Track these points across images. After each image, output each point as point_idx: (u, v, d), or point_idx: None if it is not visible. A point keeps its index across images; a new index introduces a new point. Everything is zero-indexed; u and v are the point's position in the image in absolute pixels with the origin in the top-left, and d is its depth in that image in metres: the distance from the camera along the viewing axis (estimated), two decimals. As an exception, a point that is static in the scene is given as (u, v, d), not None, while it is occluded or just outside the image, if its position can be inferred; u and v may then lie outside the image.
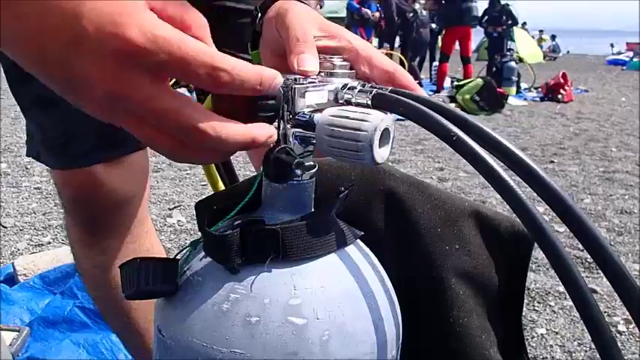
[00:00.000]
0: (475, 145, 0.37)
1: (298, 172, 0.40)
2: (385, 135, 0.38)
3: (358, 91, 0.42)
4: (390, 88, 0.42)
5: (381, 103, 0.41)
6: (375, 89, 0.41)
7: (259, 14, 0.51)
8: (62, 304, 1.51)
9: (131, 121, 0.33)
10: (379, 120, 0.37)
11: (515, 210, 0.35)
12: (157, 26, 0.31)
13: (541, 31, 19.42)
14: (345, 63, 0.45)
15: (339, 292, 0.39)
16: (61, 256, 1.79)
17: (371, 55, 0.46)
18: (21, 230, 2.35)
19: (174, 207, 2.72)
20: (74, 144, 0.81)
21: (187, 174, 3.24)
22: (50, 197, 2.77)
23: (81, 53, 0.30)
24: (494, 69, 7.66)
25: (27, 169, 3.25)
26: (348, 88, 0.42)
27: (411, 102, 0.39)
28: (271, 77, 0.35)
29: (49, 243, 2.24)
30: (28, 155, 0.89)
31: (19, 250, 2.16)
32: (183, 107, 0.32)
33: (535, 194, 0.36)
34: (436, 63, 8.94)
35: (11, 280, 1.74)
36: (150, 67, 0.31)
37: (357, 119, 0.38)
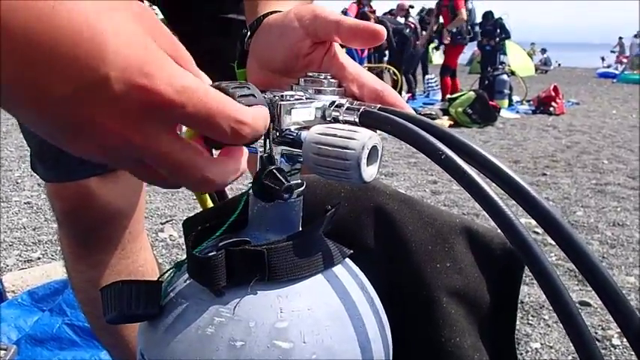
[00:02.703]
0: (462, 163, 0.36)
1: (287, 195, 0.39)
2: (373, 153, 0.38)
3: (346, 109, 0.41)
4: (378, 105, 0.41)
5: (368, 120, 0.40)
6: (363, 107, 0.41)
7: (248, 33, 0.50)
8: (51, 322, 1.49)
9: (135, 167, 0.32)
10: (367, 138, 0.37)
11: (502, 227, 0.35)
12: (184, 77, 0.29)
13: (532, 44, 19.61)
14: (333, 80, 0.44)
15: (327, 314, 0.38)
16: (51, 272, 1.77)
17: (359, 73, 0.46)
18: (10, 246, 2.33)
19: (166, 221, 2.70)
20: (67, 157, 0.80)
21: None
22: (40, 212, 2.74)
23: (97, 100, 0.27)
24: (486, 82, 7.72)
25: (17, 183, 3.22)
26: (336, 106, 0.42)
27: (399, 120, 0.39)
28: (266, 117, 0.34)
29: (39, 259, 2.21)
30: (31, 168, 0.89)
31: (7, 265, 2.13)
32: (194, 158, 0.31)
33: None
34: (428, 76, 9.00)
35: (-1, 296, 1.72)
36: (174, 120, 0.30)
37: (344, 137, 0.37)
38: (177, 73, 0.29)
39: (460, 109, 6.19)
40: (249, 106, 0.33)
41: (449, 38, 7.79)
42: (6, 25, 0.24)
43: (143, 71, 0.28)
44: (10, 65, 0.25)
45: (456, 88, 7.76)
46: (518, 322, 1.87)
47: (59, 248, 2.24)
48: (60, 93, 0.27)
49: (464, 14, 7.61)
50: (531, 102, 7.83)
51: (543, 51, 19.45)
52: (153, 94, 0.28)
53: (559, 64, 21.72)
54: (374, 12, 8.24)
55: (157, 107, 0.28)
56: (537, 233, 2.34)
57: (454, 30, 7.70)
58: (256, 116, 0.33)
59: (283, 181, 0.37)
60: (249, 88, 0.35)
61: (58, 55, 0.26)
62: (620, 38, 22.14)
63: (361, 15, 8.04)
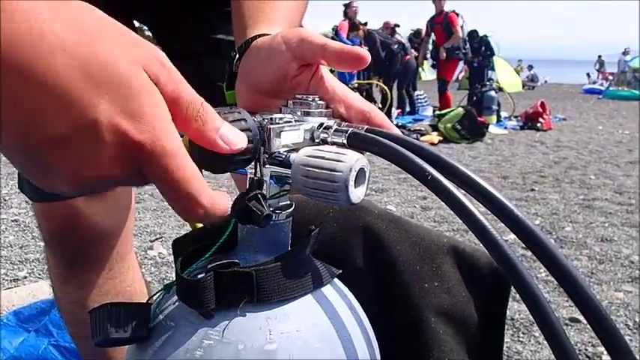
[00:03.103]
0: (448, 184, 0.37)
1: (263, 223, 0.38)
2: (361, 175, 0.38)
3: (334, 131, 0.42)
4: (365, 127, 0.42)
5: (356, 142, 0.41)
6: (351, 129, 0.41)
7: (237, 55, 0.51)
8: (36, 343, 1.47)
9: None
10: (354, 160, 0.37)
11: (486, 245, 0.35)
12: (169, 138, 0.30)
13: (520, 61, 19.86)
14: (321, 102, 0.45)
15: (316, 335, 0.38)
16: (37, 291, 1.75)
17: (346, 95, 0.46)
18: (-3, 264, 2.30)
19: (156, 239, 2.68)
20: None
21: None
22: (28, 230, 2.72)
23: (85, 141, 0.29)
24: (474, 98, 7.80)
25: (5, 200, 3.19)
26: (324, 128, 0.42)
27: (386, 141, 0.39)
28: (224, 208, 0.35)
29: (25, 277, 2.18)
30: (18, 187, 0.88)
31: (-6, 285, 2.10)
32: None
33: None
34: (417, 92, 9.07)
35: (-16, 316, 1.69)
36: (144, 170, 0.31)
37: (332, 159, 0.38)
38: (162, 127, 0.30)
39: (449, 125, 6.24)
40: (243, 130, 0.35)
41: (444, 55, 7.91)
42: (6, 64, 0.26)
43: (131, 115, 0.29)
44: (12, 102, 0.27)
45: (448, 102, 7.86)
46: (508, 340, 1.87)
47: (46, 267, 2.22)
48: (53, 132, 0.28)
49: (459, 32, 7.75)
50: (519, 118, 7.91)
51: (530, 67, 19.70)
52: (136, 144, 0.29)
53: (546, 81, 22.00)
54: (365, 24, 8.30)
55: (136, 155, 0.30)
56: (526, 249, 2.35)
57: (449, 47, 7.83)
58: (215, 204, 0.33)
59: (264, 209, 0.37)
60: (239, 113, 0.36)
61: (56, 97, 0.27)
62: (600, 56, 22.51)
63: (351, 26, 8.12)
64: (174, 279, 0.42)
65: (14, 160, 0.30)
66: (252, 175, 0.40)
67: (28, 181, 0.83)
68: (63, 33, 0.27)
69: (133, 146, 0.29)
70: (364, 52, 0.44)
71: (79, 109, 0.28)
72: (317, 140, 0.43)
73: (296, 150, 0.40)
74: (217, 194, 0.33)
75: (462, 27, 8.03)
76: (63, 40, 0.27)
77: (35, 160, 0.29)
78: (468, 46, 8.29)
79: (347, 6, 8.46)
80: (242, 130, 0.35)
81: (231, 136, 0.34)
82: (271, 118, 0.40)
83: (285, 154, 0.40)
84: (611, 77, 18.56)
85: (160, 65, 0.31)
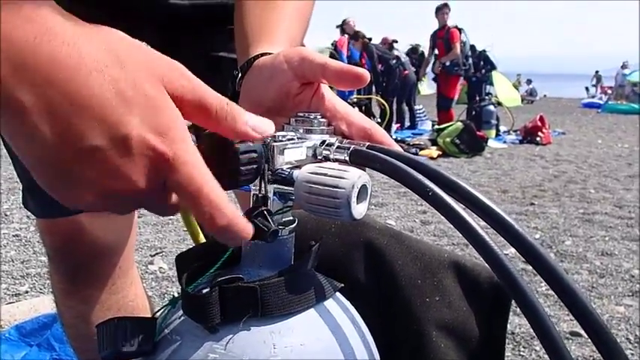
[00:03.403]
0: (449, 200, 0.37)
1: (270, 239, 0.39)
2: (363, 191, 0.39)
3: (336, 148, 0.43)
4: (367, 144, 0.43)
5: (358, 159, 0.42)
6: (353, 145, 0.42)
7: (239, 74, 0.52)
8: (39, 357, 1.47)
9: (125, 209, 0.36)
10: (357, 177, 0.38)
11: (487, 260, 0.36)
12: (190, 151, 0.33)
13: (519, 75, 19.94)
14: (323, 120, 0.46)
15: (319, 349, 0.39)
16: (39, 306, 1.75)
17: (348, 112, 0.47)
18: (-2, 279, 2.30)
19: (156, 253, 2.68)
20: None
21: (170, 219, 3.21)
22: (29, 245, 2.72)
23: (115, 154, 0.31)
24: (473, 112, 7.83)
25: (6, 215, 3.20)
26: (327, 145, 0.43)
27: (388, 158, 0.40)
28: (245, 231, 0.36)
29: (27, 292, 2.18)
30: (22, 203, 0.89)
31: (-6, 300, 2.10)
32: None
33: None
34: (417, 106, 9.10)
35: (-14, 331, 1.69)
36: (167, 183, 0.33)
37: (334, 176, 0.39)
38: (184, 142, 0.33)
39: (448, 140, 6.26)
40: (249, 152, 0.37)
41: (439, 69, 7.95)
42: (49, 83, 0.29)
43: (157, 131, 0.32)
44: (52, 117, 0.30)
45: (450, 118, 7.89)
46: (509, 354, 1.86)
47: (48, 281, 2.22)
48: (89, 144, 0.30)
49: (457, 49, 7.79)
50: (518, 132, 7.94)
51: (529, 82, 19.79)
52: (161, 155, 0.32)
53: (545, 95, 22.10)
54: (370, 39, 8.35)
55: (161, 167, 0.32)
56: (527, 263, 2.35)
57: (447, 63, 7.87)
58: (237, 216, 0.35)
59: (271, 224, 0.39)
60: None
61: (93, 113, 0.30)
62: (597, 72, 22.61)
63: (354, 34, 8.16)
64: (179, 294, 0.43)
65: (40, 172, 0.32)
66: (257, 192, 0.41)
67: (33, 196, 0.85)
68: (97, 56, 0.30)
69: (158, 158, 0.32)
70: (363, 71, 0.46)
71: (113, 124, 0.30)
72: (319, 157, 0.43)
73: (299, 167, 0.41)
74: (236, 209, 0.35)
75: (464, 43, 8.06)
76: (97, 62, 0.30)
77: (64, 171, 0.31)
78: (470, 62, 8.32)
79: (343, 23, 8.54)
80: (248, 152, 0.37)
81: (261, 125, 0.38)
82: (274, 136, 0.41)
83: (289, 171, 0.41)
84: (609, 91, 18.65)
85: (180, 77, 0.34)
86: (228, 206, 0.34)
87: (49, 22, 0.29)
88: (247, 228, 0.35)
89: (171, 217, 3.22)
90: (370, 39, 8.31)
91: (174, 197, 0.35)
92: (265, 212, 0.39)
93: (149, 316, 0.42)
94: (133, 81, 0.31)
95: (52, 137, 0.30)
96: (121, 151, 0.31)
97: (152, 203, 0.35)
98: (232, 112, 0.36)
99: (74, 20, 0.31)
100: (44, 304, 1.75)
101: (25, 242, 2.76)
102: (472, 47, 8.81)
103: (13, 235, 2.85)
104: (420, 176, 0.38)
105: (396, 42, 8.91)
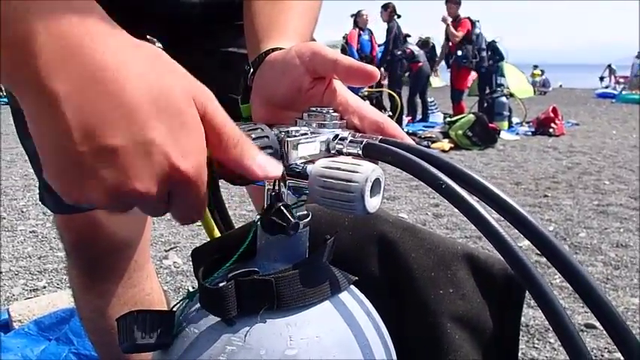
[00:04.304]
0: (463, 192, 0.38)
1: (291, 232, 0.41)
2: (376, 185, 0.40)
3: (349, 142, 0.43)
4: (379, 137, 0.43)
5: (371, 152, 0.42)
6: (366, 139, 0.43)
7: (251, 69, 0.52)
8: (57, 351, 1.49)
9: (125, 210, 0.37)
10: (370, 171, 0.39)
11: (501, 252, 0.36)
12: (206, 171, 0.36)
13: (535, 66, 19.67)
14: (335, 114, 0.46)
15: (335, 341, 0.40)
16: (57, 300, 1.78)
17: (360, 106, 0.48)
18: (16, 275, 2.33)
19: (171, 248, 2.70)
20: None
21: (183, 215, 3.23)
22: (46, 241, 2.76)
23: (136, 158, 0.32)
24: (485, 104, 7.77)
25: (22, 212, 3.24)
26: (340, 139, 0.44)
27: (400, 151, 0.40)
28: None
29: (45, 287, 2.22)
30: (39, 200, 0.91)
31: (13, 295, 2.13)
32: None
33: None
34: (429, 99, 9.05)
35: (6, 326, 1.72)
36: (180, 192, 0.35)
37: (348, 170, 0.39)
38: (203, 166, 0.35)
39: (460, 132, 6.22)
40: (265, 147, 0.39)
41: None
42: (88, 80, 0.31)
43: (181, 149, 0.33)
44: (83, 110, 0.31)
45: (461, 110, 7.85)
46: (524, 346, 1.86)
47: (65, 277, 2.25)
48: (112, 143, 0.31)
49: (456, 35, 7.76)
50: (531, 123, 7.87)
51: (542, 72, 19.58)
52: (180, 173, 0.34)
53: (560, 85, 21.84)
54: (399, 16, 8.28)
55: (175, 182, 0.34)
56: (541, 255, 2.33)
57: (460, 54, 7.84)
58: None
59: (290, 218, 0.39)
60: (262, 130, 0.37)
61: (123, 114, 0.31)
62: (609, 65, 22.25)
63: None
64: (194, 288, 0.43)
65: (51, 162, 0.33)
66: (270, 187, 0.42)
67: (51, 192, 0.86)
68: (139, 63, 0.32)
69: (174, 171, 0.33)
70: (373, 69, 0.46)
71: (140, 127, 0.31)
72: (332, 151, 0.44)
73: (312, 161, 0.41)
74: None
75: (477, 35, 8.01)
76: (138, 68, 0.32)
77: (77, 165, 0.32)
78: (484, 54, 8.26)
79: (357, 15, 8.49)
80: (264, 147, 0.37)
81: (267, 165, 0.38)
82: (288, 132, 0.41)
83: (302, 165, 0.41)
84: (622, 80, 18.42)
85: (207, 99, 0.35)
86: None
87: (100, 25, 0.32)
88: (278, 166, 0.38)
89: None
90: (399, 16, 8.25)
91: (174, 204, 0.37)
92: (282, 207, 0.39)
93: (166, 309, 0.43)
94: (168, 93, 0.33)
95: (76, 129, 0.31)
96: (141, 154, 0.32)
97: (151, 206, 0.36)
98: (244, 146, 0.37)
99: (120, 29, 0.33)
100: (62, 299, 1.78)
101: (42, 238, 2.80)
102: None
103: (30, 232, 2.89)
104: (432, 169, 0.39)
105: (409, 36, 8.87)
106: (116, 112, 0.31)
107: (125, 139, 0.31)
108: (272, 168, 0.38)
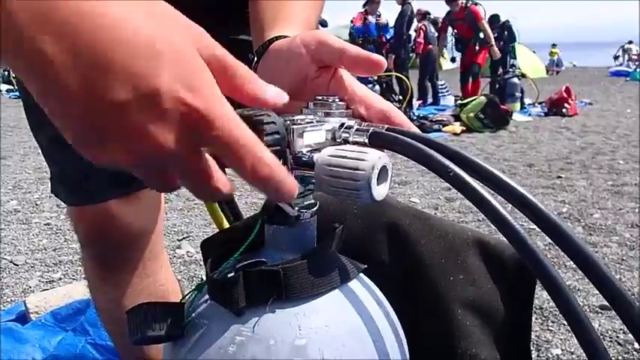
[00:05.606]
0: (470, 179, 0.37)
1: (294, 223, 0.40)
2: (383, 173, 0.39)
3: (355, 130, 0.43)
4: (385, 126, 0.43)
5: (377, 141, 0.42)
6: (372, 128, 0.42)
7: (255, 58, 0.52)
8: (74, 342, 1.52)
9: (155, 175, 0.35)
10: (376, 158, 0.38)
11: (509, 238, 0.36)
12: (222, 103, 0.33)
13: (554, 45, 19.33)
14: (341, 103, 0.46)
15: (345, 330, 0.40)
16: (72, 292, 1.80)
17: (366, 95, 0.47)
18: (32, 267, 2.37)
19: (183, 238, 2.72)
20: (89, 181, 0.83)
21: (196, 204, 3.25)
22: (60, 233, 2.79)
23: (145, 109, 0.30)
24: (497, 86, 7.70)
25: (37, 205, 3.28)
26: (346, 127, 0.43)
27: (407, 140, 0.40)
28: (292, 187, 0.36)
29: (60, 279, 2.25)
30: (52, 192, 0.91)
31: (30, 287, 2.16)
32: (215, 171, 0.35)
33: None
34: (439, 82, 8.98)
35: (23, 318, 1.74)
36: (205, 140, 0.33)
37: (354, 158, 0.39)
38: (217, 96, 0.32)
39: (472, 115, 6.17)
40: (273, 133, 0.37)
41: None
42: (75, 33, 0.28)
43: (189, 86, 0.31)
44: (78, 69, 0.28)
45: (477, 89, 7.83)
46: (537, 328, 1.85)
47: (80, 268, 2.28)
48: (116, 98, 0.29)
49: (486, 26, 7.77)
50: (543, 104, 7.78)
51: (559, 51, 19.29)
52: (194, 111, 0.31)
53: (574, 65, 21.54)
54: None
55: (195, 123, 0.31)
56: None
57: (481, 36, 7.86)
58: (278, 164, 0.34)
59: (293, 210, 0.39)
60: (269, 116, 0.37)
61: (121, 65, 0.29)
62: (622, 46, 21.82)
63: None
64: (205, 279, 0.44)
65: (68, 128, 0.31)
66: None
67: (64, 184, 0.87)
68: (125, 6, 0.29)
69: (191, 114, 0.31)
70: (380, 58, 0.45)
71: (141, 77, 0.29)
72: (339, 140, 0.43)
73: (318, 150, 0.41)
74: (280, 166, 0.35)
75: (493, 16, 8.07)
76: (126, 12, 0.29)
77: (95, 127, 0.30)
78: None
79: (368, 1, 8.42)
80: (272, 133, 0.37)
81: (274, 92, 0.37)
82: (294, 120, 0.41)
83: (308, 154, 0.41)
84: (636, 57, 18.11)
85: (208, 40, 0.34)
86: (269, 155, 0.34)
87: None
88: (291, 181, 0.35)
89: (197, 202, 3.26)
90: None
91: (205, 160, 0.34)
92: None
93: (180, 299, 0.43)
94: (163, 33, 0.30)
95: (78, 90, 0.29)
96: (150, 106, 0.30)
97: (183, 168, 0.34)
98: (252, 77, 0.36)
99: None
100: (77, 291, 1.80)
101: (57, 230, 2.83)
102: (495, 17, 8.67)
103: (45, 224, 2.92)
104: (440, 157, 0.38)
105: (429, 14, 8.79)
106: (110, 65, 0.29)
107: (127, 92, 0.29)
108: (282, 96, 0.38)
